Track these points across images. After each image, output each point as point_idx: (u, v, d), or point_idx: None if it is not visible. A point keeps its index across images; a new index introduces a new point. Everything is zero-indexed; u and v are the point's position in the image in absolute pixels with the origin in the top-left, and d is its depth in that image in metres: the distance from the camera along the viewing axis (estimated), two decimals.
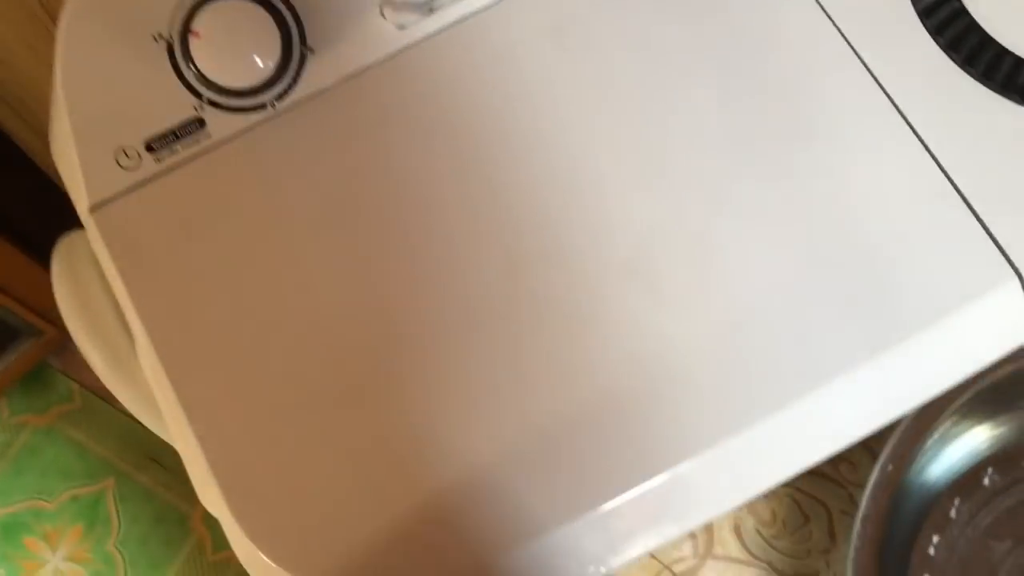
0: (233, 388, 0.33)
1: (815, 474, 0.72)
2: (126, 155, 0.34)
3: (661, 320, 0.34)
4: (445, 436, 0.33)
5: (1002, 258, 0.36)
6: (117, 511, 0.70)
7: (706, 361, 0.34)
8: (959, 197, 0.36)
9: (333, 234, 0.35)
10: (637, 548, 0.35)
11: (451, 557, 0.32)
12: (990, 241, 0.36)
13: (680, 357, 0.34)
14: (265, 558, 0.33)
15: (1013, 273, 0.36)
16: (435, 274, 0.34)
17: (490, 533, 0.33)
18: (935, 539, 0.67)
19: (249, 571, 0.34)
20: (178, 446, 0.36)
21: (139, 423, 0.72)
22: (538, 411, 0.33)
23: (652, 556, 0.70)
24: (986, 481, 0.68)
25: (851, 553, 0.61)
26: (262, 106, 0.35)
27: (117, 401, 0.72)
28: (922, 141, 0.36)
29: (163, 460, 0.72)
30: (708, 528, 0.71)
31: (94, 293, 0.36)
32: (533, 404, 0.33)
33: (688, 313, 0.35)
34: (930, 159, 0.36)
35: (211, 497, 0.34)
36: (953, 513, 0.68)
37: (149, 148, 0.35)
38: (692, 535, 0.71)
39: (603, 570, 0.35)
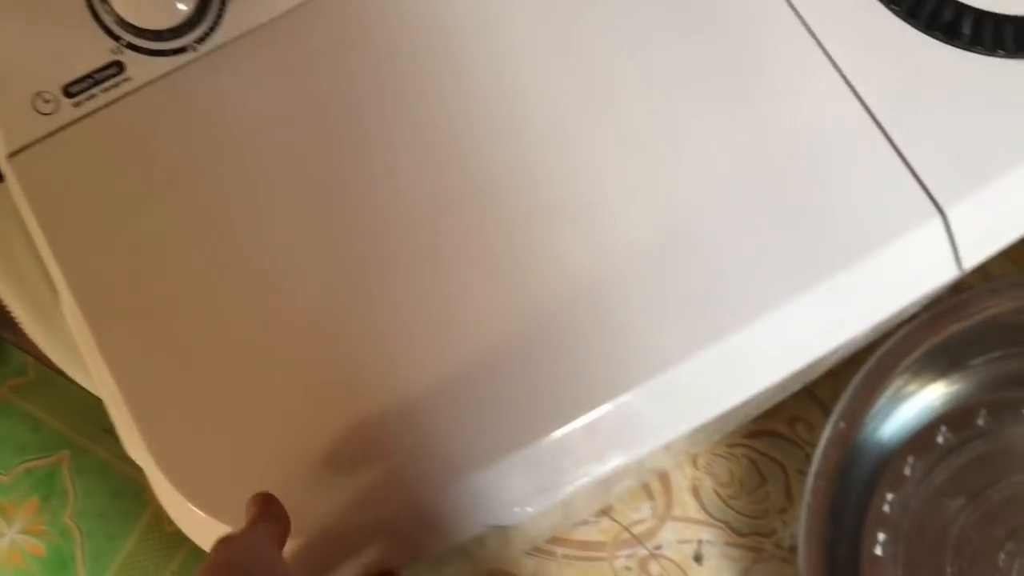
0: (154, 333, 0.33)
1: (772, 434, 0.72)
2: (44, 101, 0.34)
3: (591, 255, 0.34)
4: (370, 375, 0.33)
5: (925, 196, 0.36)
6: (72, 484, 0.69)
7: (637, 295, 0.34)
8: (882, 134, 0.36)
9: (257, 176, 0.35)
10: (581, 479, 0.35)
11: (379, 495, 0.32)
12: (912, 178, 0.36)
13: (612, 293, 0.34)
14: (189, 504, 0.33)
15: (935, 210, 0.36)
16: (361, 212, 0.34)
17: (419, 470, 0.33)
18: (889, 497, 0.68)
19: (173, 517, 0.34)
20: (103, 395, 0.36)
21: (94, 396, 0.71)
22: (470, 346, 0.33)
23: (611, 518, 0.71)
24: (940, 439, 0.69)
25: (804, 509, 0.62)
26: (183, 49, 0.35)
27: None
28: (846, 79, 0.36)
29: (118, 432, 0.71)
30: (666, 489, 0.71)
31: (16, 244, 0.36)
32: (464, 339, 0.33)
33: (615, 250, 0.35)
34: (854, 97, 0.36)
35: (135, 444, 0.34)
36: (907, 471, 0.69)
37: (67, 93, 0.34)
38: (650, 497, 0.71)
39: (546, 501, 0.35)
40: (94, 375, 0.36)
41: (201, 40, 0.35)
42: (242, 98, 0.35)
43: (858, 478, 0.68)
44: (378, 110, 0.35)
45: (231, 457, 0.33)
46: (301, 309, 0.33)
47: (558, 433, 0.33)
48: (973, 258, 0.37)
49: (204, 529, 0.33)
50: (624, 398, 0.34)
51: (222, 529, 0.33)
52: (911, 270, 0.37)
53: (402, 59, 0.36)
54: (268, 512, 0.33)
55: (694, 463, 0.71)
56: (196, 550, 0.35)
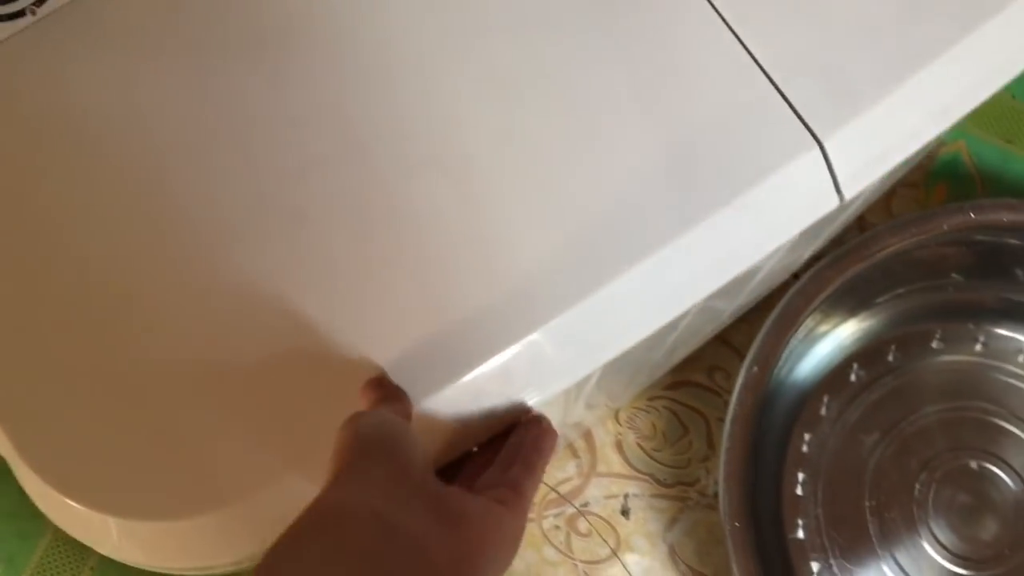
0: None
1: (691, 385, 0.72)
2: None
3: (473, 205, 0.34)
4: (230, 350, 0.32)
5: (802, 127, 0.36)
6: None
7: (521, 245, 0.34)
8: (756, 66, 0.35)
9: (100, 146, 0.33)
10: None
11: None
12: (789, 110, 0.36)
13: (503, 244, 0.34)
14: (56, 492, 0.32)
15: (814, 141, 0.36)
16: (219, 179, 0.33)
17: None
18: (807, 437, 0.69)
19: (42, 508, 0.33)
20: None
21: None
22: (360, 304, 0.33)
23: None
24: (852, 377, 0.70)
25: (722, 455, 0.62)
26: (21, 13, 0.33)
27: None
28: (718, 12, 0.36)
29: None
30: (590, 447, 0.71)
31: None
32: (350, 297, 0.33)
33: (494, 200, 0.34)
34: (727, 31, 0.35)
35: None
36: (823, 410, 0.70)
37: None
38: (575, 455, 0.71)
39: None
40: None
41: (39, 3, 0.33)
42: (85, 64, 0.33)
43: (776, 421, 0.69)
44: (233, 68, 0.34)
45: (93, 445, 0.31)
46: (152, 287, 0.32)
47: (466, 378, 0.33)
48: (853, 187, 0.37)
49: (64, 514, 0.32)
50: (513, 349, 0.34)
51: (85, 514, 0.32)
52: (793, 202, 0.36)
53: (261, 14, 0.34)
54: (387, 393, 0.33)
55: (616, 418, 0.71)
56: None
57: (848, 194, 0.37)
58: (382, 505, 0.27)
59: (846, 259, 0.64)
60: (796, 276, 0.64)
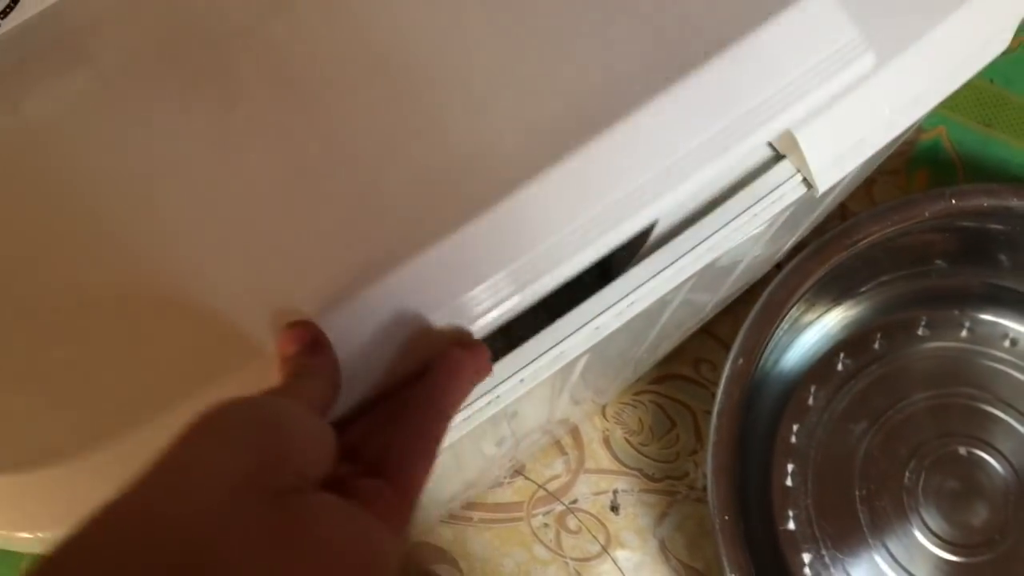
0: None
1: (677, 378, 0.72)
2: None
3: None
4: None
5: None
6: None
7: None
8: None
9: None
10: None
11: None
12: None
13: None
14: None
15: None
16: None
17: None
18: (795, 427, 0.69)
19: None
20: None
21: None
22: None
23: (525, 477, 0.70)
24: (839, 366, 0.70)
25: (710, 448, 0.62)
26: None
27: None
28: None
29: None
30: (578, 443, 0.71)
31: None
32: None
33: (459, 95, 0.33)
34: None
35: None
36: (811, 401, 0.70)
37: None
38: (563, 452, 0.71)
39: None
40: None
41: (3, 14, 0.32)
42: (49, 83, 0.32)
43: (764, 412, 0.69)
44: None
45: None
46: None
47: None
48: (827, 180, 0.37)
49: None
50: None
51: None
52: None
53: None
54: (312, 347, 0.28)
55: (603, 414, 0.71)
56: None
57: (822, 187, 0.37)
58: (201, 525, 0.21)
59: (828, 248, 0.63)
60: (779, 267, 0.64)
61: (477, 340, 0.32)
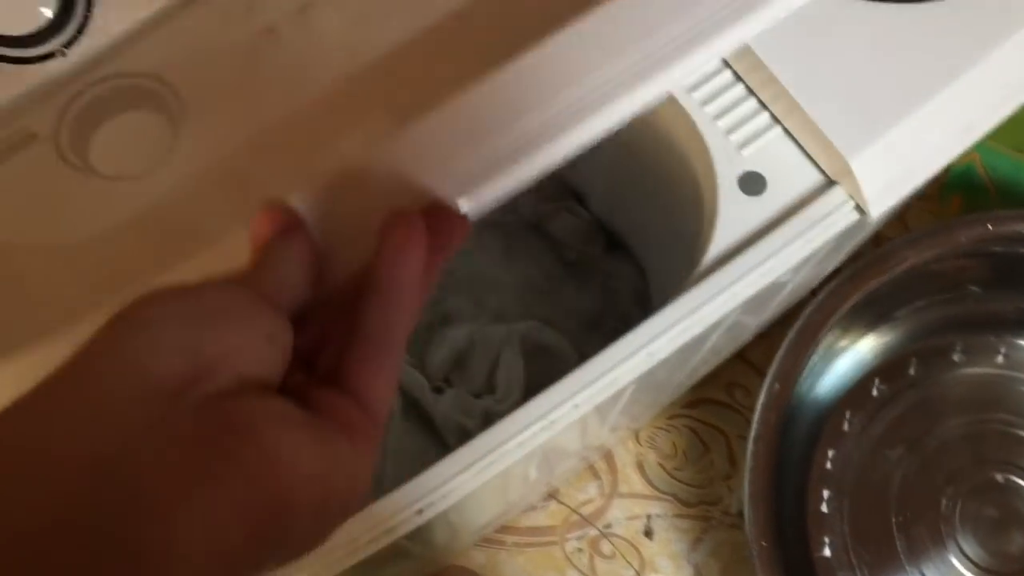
0: None
1: (711, 403, 0.72)
2: None
3: None
4: None
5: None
6: None
7: None
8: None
9: None
10: None
11: None
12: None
13: None
14: None
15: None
16: None
17: None
18: (831, 453, 0.68)
19: None
20: None
21: None
22: None
23: (559, 501, 0.70)
24: (874, 392, 0.70)
25: (746, 474, 0.62)
26: (51, 55, 0.33)
27: None
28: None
29: None
30: (611, 468, 0.71)
31: None
32: None
33: None
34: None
35: None
36: (846, 426, 0.69)
37: None
38: (596, 476, 0.71)
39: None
40: None
41: (68, 45, 0.33)
42: None
43: (799, 438, 0.69)
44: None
45: None
46: None
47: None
48: (880, 206, 0.37)
49: None
50: None
51: None
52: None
53: None
54: (277, 247, 0.24)
55: (636, 438, 0.71)
56: None
57: (875, 213, 0.37)
58: (115, 445, 0.17)
59: (864, 274, 0.63)
60: (814, 292, 0.64)
61: (441, 205, 0.27)
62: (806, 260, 0.38)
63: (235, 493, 0.18)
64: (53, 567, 0.16)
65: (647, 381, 0.44)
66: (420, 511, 0.35)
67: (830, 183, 0.37)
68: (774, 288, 0.43)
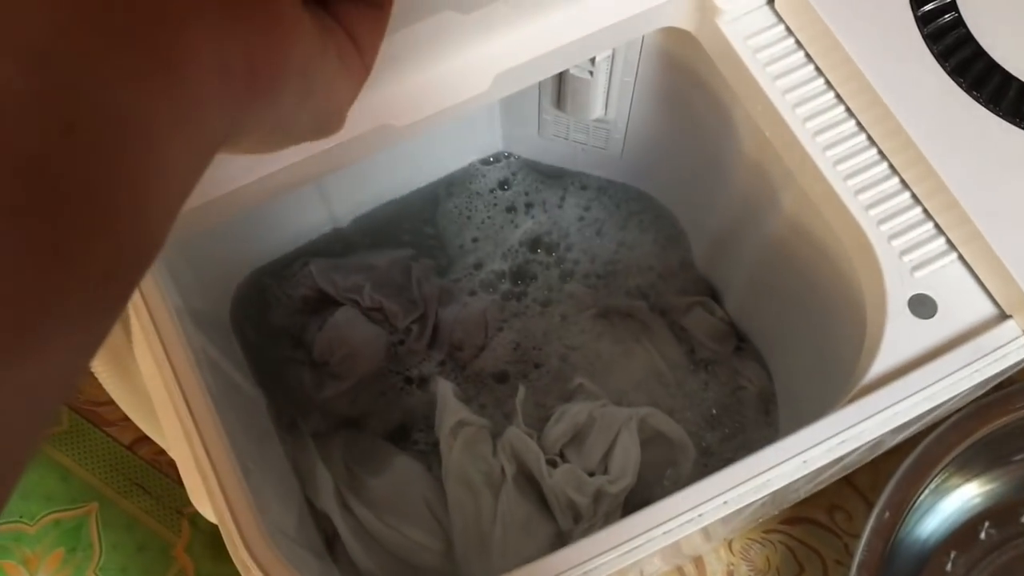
0: None
1: (810, 522, 0.71)
2: None
3: None
4: None
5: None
6: (99, 537, 0.68)
7: None
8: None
9: None
10: None
11: None
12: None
13: None
14: None
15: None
16: None
17: None
18: None
19: None
20: (170, 449, 0.35)
21: (125, 447, 0.71)
22: None
23: None
24: (983, 535, 0.68)
25: None
26: None
27: (105, 424, 0.71)
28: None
29: (148, 487, 0.70)
30: (701, 574, 0.70)
31: None
32: None
33: None
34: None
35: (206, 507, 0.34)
36: (949, 567, 0.67)
37: None
38: None
39: None
40: (164, 425, 0.36)
41: None
42: None
43: (899, 573, 0.67)
44: None
45: None
46: None
47: None
48: None
49: None
50: None
51: None
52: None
53: None
54: None
55: (729, 547, 0.70)
56: None
57: None
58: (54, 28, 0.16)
59: (990, 410, 0.63)
60: (933, 426, 0.63)
61: None
62: (971, 390, 0.38)
63: (243, 34, 0.19)
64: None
65: (782, 490, 0.44)
66: None
67: (1004, 316, 0.38)
68: (926, 414, 0.43)
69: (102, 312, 0.17)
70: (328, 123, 0.25)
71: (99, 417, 0.71)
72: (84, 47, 0.16)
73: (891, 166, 0.40)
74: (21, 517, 0.68)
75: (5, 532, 0.68)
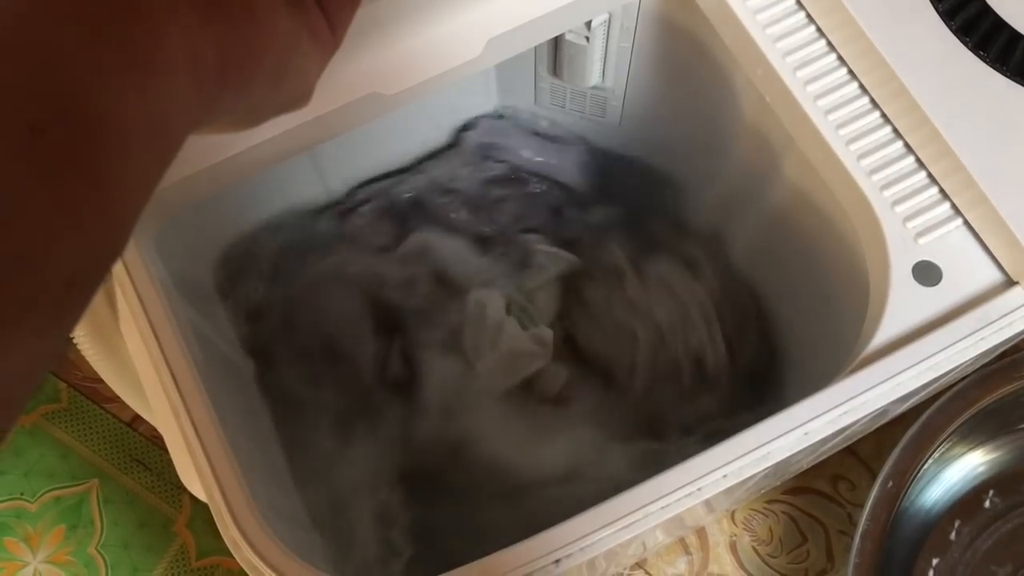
0: None
1: (813, 492, 0.70)
2: None
3: None
4: None
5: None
6: (100, 513, 0.68)
7: None
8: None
9: None
10: None
11: None
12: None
13: None
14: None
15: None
16: None
17: None
18: (935, 562, 0.66)
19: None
20: (158, 424, 0.35)
21: (125, 424, 0.70)
22: None
23: (647, 572, 0.69)
24: (987, 504, 0.67)
25: (850, 570, 0.60)
26: None
27: (104, 401, 0.70)
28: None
29: (149, 463, 0.70)
30: (703, 545, 0.69)
31: None
32: None
33: None
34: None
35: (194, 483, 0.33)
36: (953, 536, 0.67)
37: None
38: (687, 551, 0.69)
39: None
40: (152, 402, 0.35)
41: None
42: None
43: (903, 541, 0.67)
44: None
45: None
46: None
47: None
48: None
49: None
50: None
51: None
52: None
53: None
54: None
55: (732, 518, 0.69)
56: None
57: None
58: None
59: (994, 378, 0.62)
60: (937, 395, 0.63)
61: None
62: (976, 359, 0.37)
63: (215, 30, 0.19)
64: None
65: (784, 462, 0.43)
66: (557, 561, 0.35)
67: (1010, 283, 0.37)
68: (930, 384, 0.42)
69: (64, 321, 0.17)
70: (296, 101, 0.25)
71: (98, 394, 0.70)
72: (56, 43, 0.16)
73: (895, 130, 0.39)
74: (22, 494, 0.68)
75: (6, 509, 0.68)
